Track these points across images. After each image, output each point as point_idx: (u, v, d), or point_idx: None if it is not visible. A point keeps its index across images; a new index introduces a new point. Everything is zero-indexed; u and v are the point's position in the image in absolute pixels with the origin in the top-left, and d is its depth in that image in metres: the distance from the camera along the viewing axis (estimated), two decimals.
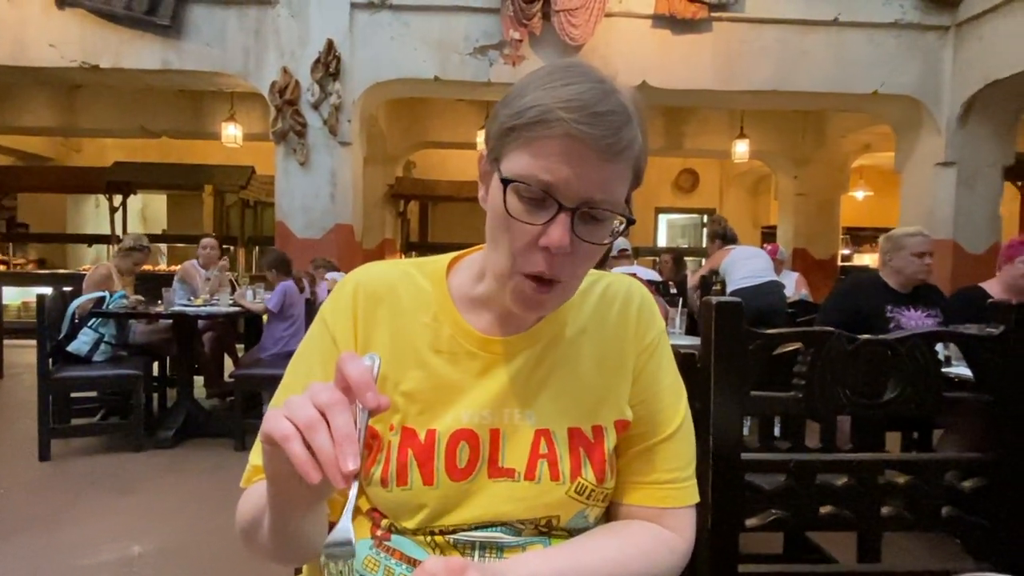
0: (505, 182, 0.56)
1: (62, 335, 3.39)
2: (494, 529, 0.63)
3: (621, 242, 3.33)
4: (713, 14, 5.42)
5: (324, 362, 0.66)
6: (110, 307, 3.59)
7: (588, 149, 0.53)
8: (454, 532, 0.63)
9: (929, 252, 2.56)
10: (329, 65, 5.24)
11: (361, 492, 0.67)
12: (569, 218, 0.55)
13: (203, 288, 4.33)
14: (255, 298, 4.24)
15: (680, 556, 0.67)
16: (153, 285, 4.45)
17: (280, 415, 0.44)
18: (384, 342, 0.66)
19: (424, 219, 10.24)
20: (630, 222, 0.58)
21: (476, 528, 0.63)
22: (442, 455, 0.63)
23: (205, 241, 4.61)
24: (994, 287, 2.63)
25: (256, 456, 0.63)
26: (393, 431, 0.64)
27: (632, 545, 0.65)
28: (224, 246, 9.26)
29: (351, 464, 0.41)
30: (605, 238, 0.58)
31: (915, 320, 2.54)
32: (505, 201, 0.56)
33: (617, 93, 0.56)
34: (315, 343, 0.68)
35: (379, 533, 0.65)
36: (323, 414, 0.43)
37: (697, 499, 0.71)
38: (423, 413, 0.64)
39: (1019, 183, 7.45)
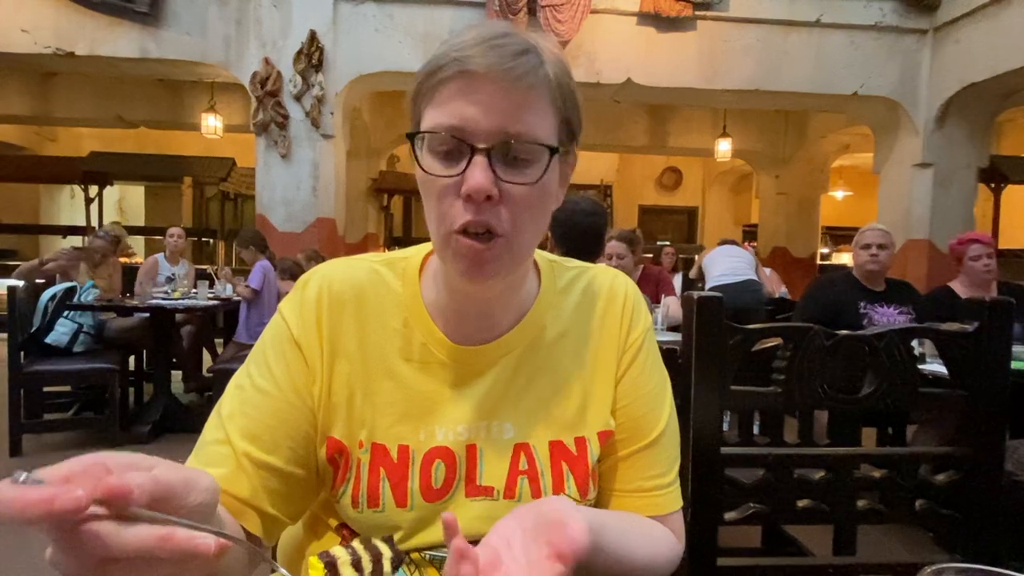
0: (411, 136, 0.53)
1: (35, 328, 3.31)
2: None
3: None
4: (697, 13, 5.46)
5: (286, 363, 0.60)
6: (82, 298, 3.52)
7: (485, 79, 0.50)
8: (430, 549, 0.59)
9: (877, 244, 2.61)
10: (312, 56, 5.17)
11: (328, 512, 0.64)
12: (486, 159, 0.50)
13: (176, 284, 4.27)
14: (233, 292, 4.19)
15: (677, 555, 0.66)
16: (130, 278, 4.36)
17: None
18: (352, 349, 0.61)
19: (408, 214, 10.19)
20: (553, 151, 0.53)
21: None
22: (416, 475, 0.59)
23: (175, 231, 4.55)
24: (959, 285, 2.71)
25: (191, 464, 0.56)
26: (363, 448, 0.59)
27: (642, 526, 0.63)
28: (203, 239, 9.22)
29: (204, 548, 0.33)
30: (535, 177, 0.52)
31: (888, 316, 2.59)
32: (418, 159, 0.53)
33: (519, 34, 0.53)
34: (274, 342, 0.61)
35: None
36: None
37: (681, 503, 0.68)
38: (394, 426, 0.60)
39: (992, 184, 7.61)
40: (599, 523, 0.52)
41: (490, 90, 0.50)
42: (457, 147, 0.51)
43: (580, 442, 0.63)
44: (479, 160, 0.51)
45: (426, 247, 0.65)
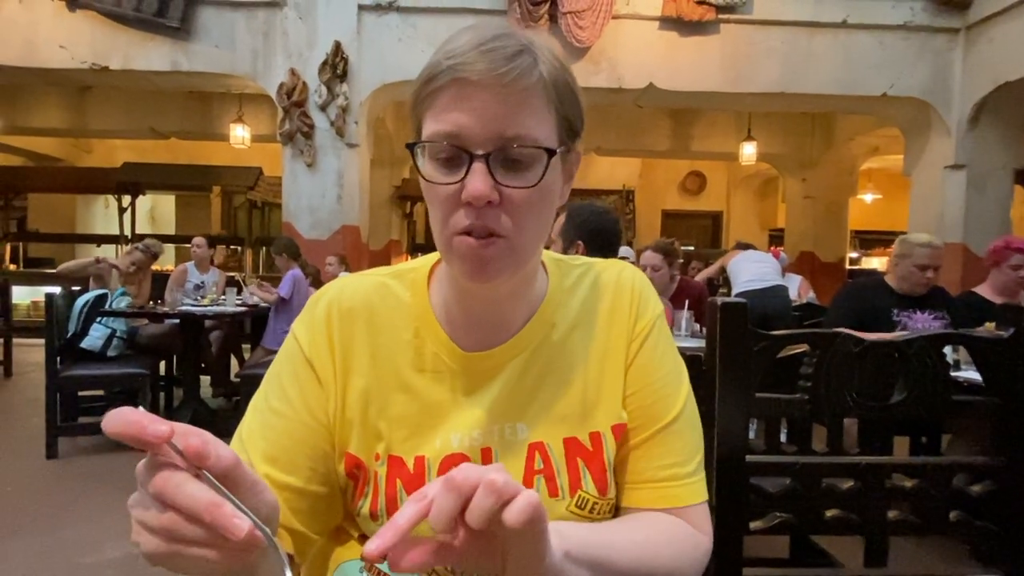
0: (410, 147, 0.54)
1: (70, 333, 3.42)
2: None
3: (623, 251, 3.31)
4: (720, 16, 5.41)
5: (299, 383, 0.61)
6: (113, 304, 3.62)
7: (479, 87, 0.50)
8: None
9: (933, 266, 2.50)
10: (336, 67, 5.26)
11: (350, 522, 0.64)
12: (484, 165, 0.51)
13: (206, 291, 4.38)
14: (260, 301, 4.28)
15: (704, 553, 0.63)
16: (159, 285, 4.48)
17: (140, 531, 0.38)
18: (364, 364, 0.61)
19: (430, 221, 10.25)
20: (551, 153, 0.52)
21: None
22: None
23: (197, 240, 4.68)
24: (988, 290, 2.62)
25: None
26: (379, 461, 0.60)
27: (658, 532, 0.60)
28: (232, 247, 9.41)
29: (236, 530, 0.35)
30: (535, 180, 0.52)
31: (922, 322, 2.52)
32: (420, 167, 0.54)
33: (513, 34, 0.52)
34: (288, 363, 0.62)
35: None
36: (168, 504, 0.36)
37: (705, 496, 0.64)
38: (410, 439, 0.60)
39: None
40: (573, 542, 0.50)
41: (485, 96, 0.50)
42: (456, 154, 0.52)
43: (595, 437, 0.62)
44: (477, 167, 0.51)
45: (434, 257, 0.65)
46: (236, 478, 0.38)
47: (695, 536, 0.62)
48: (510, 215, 0.53)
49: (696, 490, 0.64)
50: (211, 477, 0.36)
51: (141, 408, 0.36)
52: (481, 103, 0.50)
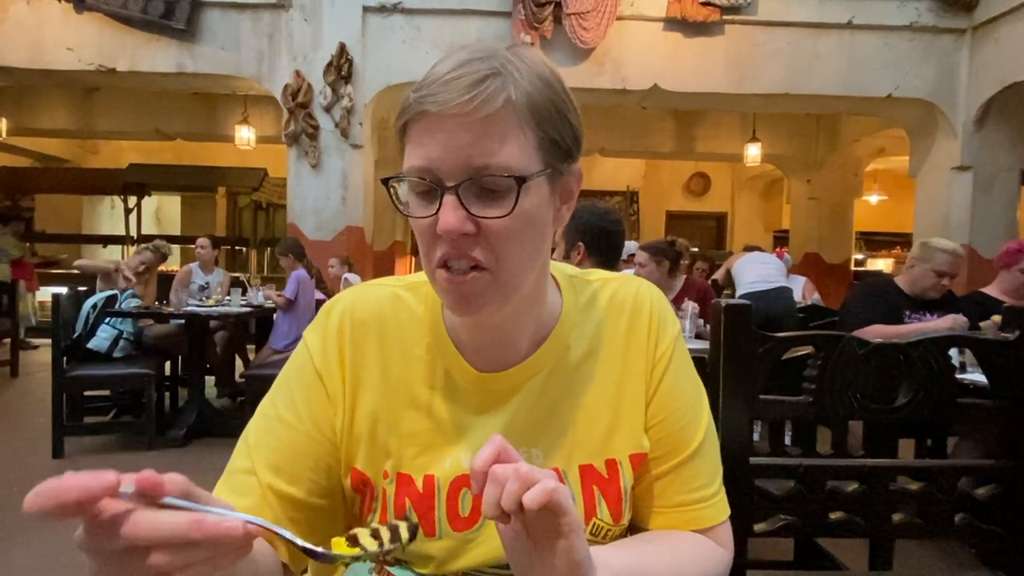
0: (385, 181, 0.54)
1: (76, 334, 3.43)
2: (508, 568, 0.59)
3: (629, 246, 3.31)
4: (725, 17, 5.40)
5: (308, 395, 0.60)
6: (122, 306, 3.64)
7: (442, 118, 0.49)
8: (467, 573, 0.60)
9: (951, 274, 2.47)
10: (341, 68, 5.27)
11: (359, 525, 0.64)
12: (455, 198, 0.50)
13: (211, 292, 4.40)
14: (265, 300, 4.29)
15: (726, 567, 0.64)
16: (166, 286, 4.50)
17: None
18: (375, 378, 0.60)
19: None
20: (521, 180, 0.50)
21: (490, 567, 0.59)
22: (443, 504, 0.58)
23: (201, 241, 4.70)
24: (995, 292, 2.61)
25: (221, 488, 0.58)
26: (388, 479, 0.59)
27: (684, 551, 0.61)
28: (236, 248, 9.44)
29: (232, 531, 0.34)
30: (508, 208, 0.50)
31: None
32: (397, 200, 0.54)
33: (491, 56, 0.51)
34: (298, 373, 0.62)
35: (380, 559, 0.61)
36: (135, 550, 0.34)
37: (728, 512, 0.65)
38: (419, 457, 0.59)
39: None
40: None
41: (450, 127, 0.49)
42: (430, 187, 0.51)
43: (611, 465, 0.61)
44: (448, 200, 0.50)
45: None
46: (195, 494, 0.37)
47: (719, 553, 0.63)
48: (490, 245, 0.52)
49: (721, 508, 0.64)
50: (173, 500, 0.35)
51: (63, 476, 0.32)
52: (447, 134, 0.50)
